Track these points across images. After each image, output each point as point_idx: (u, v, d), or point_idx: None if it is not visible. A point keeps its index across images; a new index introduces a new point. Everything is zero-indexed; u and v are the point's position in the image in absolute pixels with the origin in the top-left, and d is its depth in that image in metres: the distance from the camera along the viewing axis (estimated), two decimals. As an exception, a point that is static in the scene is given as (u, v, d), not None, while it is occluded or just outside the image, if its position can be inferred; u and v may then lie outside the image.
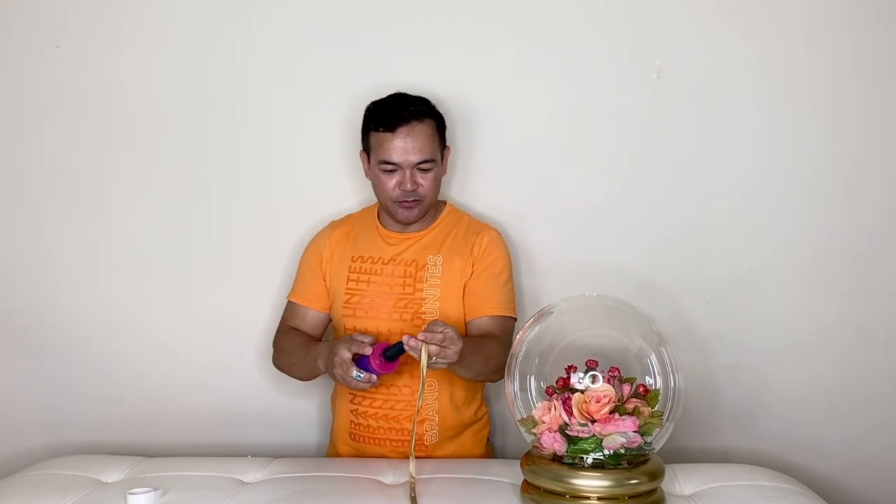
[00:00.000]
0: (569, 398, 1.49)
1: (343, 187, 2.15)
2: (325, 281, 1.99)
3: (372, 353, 1.70)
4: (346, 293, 1.95)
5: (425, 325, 1.68)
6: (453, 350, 1.63)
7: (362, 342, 1.72)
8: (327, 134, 2.14)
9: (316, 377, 1.95)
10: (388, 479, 1.74)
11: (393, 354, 1.69)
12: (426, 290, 1.90)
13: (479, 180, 2.14)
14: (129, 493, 1.58)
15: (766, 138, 2.09)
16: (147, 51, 2.16)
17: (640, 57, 2.07)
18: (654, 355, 1.59)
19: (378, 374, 1.72)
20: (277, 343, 2.01)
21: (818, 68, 2.05)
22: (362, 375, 1.70)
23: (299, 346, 1.93)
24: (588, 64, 2.09)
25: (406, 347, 1.62)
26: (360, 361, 1.72)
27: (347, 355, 1.71)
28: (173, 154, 2.18)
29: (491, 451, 2.07)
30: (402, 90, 1.94)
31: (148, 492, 1.59)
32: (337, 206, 2.13)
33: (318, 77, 2.14)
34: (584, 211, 2.13)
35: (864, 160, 2.07)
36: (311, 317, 2.01)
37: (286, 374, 2.00)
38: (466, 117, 2.09)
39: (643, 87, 2.08)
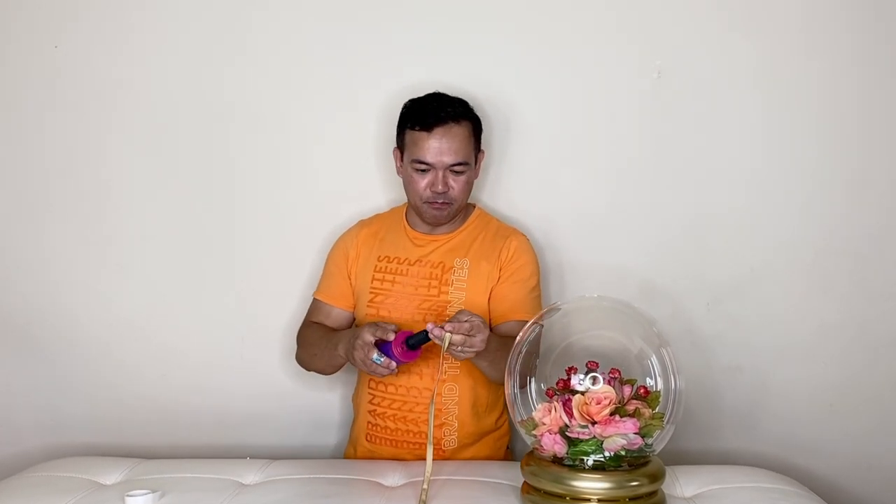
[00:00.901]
0: (569, 400, 1.49)
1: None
2: (350, 279, 1.98)
3: (394, 341, 1.69)
4: (371, 292, 1.94)
5: (452, 315, 1.68)
6: (479, 339, 1.63)
7: (386, 328, 1.71)
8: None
9: (337, 368, 1.93)
10: (389, 481, 1.73)
11: (416, 343, 1.68)
12: (451, 293, 1.89)
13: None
14: (128, 495, 1.57)
15: (766, 139, 2.08)
16: (147, 51, 2.15)
17: (641, 57, 2.06)
18: (654, 356, 1.59)
19: (399, 362, 1.70)
20: (300, 337, 2.00)
21: (818, 68, 2.05)
22: (382, 360, 1.69)
23: (321, 336, 1.92)
24: (588, 65, 2.09)
25: (431, 336, 1.62)
26: (382, 347, 1.70)
27: (370, 338, 1.69)
28: (173, 154, 2.18)
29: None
30: (432, 89, 1.93)
31: (146, 494, 1.58)
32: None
33: (324, 78, 2.13)
34: (585, 212, 2.13)
35: (864, 160, 2.07)
36: (335, 314, 2.00)
37: (308, 368, 1.99)
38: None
39: (643, 87, 2.07)
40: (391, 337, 1.69)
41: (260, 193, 2.18)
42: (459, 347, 1.62)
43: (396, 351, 1.68)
